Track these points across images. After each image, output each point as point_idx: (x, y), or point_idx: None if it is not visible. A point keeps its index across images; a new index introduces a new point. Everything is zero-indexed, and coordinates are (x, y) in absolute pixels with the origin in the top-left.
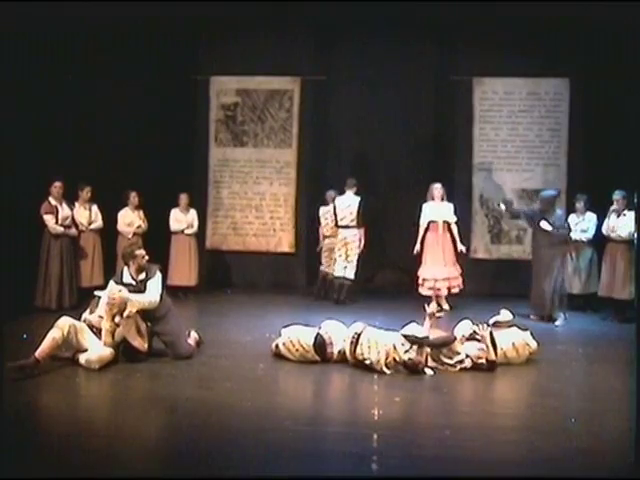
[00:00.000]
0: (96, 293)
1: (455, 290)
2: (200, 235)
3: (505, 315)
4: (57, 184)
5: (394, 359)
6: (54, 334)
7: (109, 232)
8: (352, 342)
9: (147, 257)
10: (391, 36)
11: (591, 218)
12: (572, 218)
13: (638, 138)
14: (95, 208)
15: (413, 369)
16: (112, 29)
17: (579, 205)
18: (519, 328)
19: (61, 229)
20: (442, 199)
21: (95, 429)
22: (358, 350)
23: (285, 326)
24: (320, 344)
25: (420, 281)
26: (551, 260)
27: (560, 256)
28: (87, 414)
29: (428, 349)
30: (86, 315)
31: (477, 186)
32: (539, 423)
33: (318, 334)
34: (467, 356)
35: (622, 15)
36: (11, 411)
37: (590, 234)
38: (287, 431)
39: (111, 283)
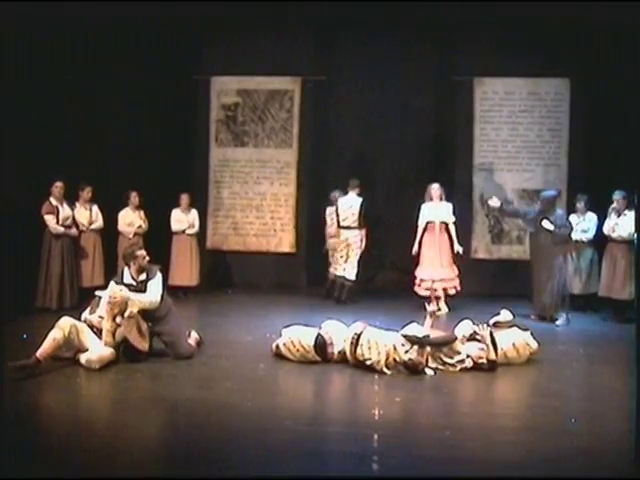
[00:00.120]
0: (97, 293)
1: (451, 292)
2: (201, 235)
3: (505, 315)
4: (58, 184)
5: (394, 359)
6: (55, 334)
7: (110, 232)
8: (352, 342)
9: (148, 258)
10: (391, 36)
11: (592, 218)
12: (573, 218)
13: (638, 138)
14: (96, 208)
15: (413, 369)
16: (113, 29)
17: (580, 205)
18: (519, 328)
19: (62, 229)
20: (441, 199)
21: (96, 429)
22: (358, 351)
23: (286, 326)
24: (321, 344)
25: (417, 281)
26: (552, 260)
27: (561, 256)
28: (88, 414)
29: (429, 349)
30: (86, 315)
31: (477, 186)
32: (539, 423)
33: (319, 334)
34: (468, 356)
35: (622, 15)
36: (12, 411)
37: (591, 234)
38: (288, 431)
39: (112, 283)
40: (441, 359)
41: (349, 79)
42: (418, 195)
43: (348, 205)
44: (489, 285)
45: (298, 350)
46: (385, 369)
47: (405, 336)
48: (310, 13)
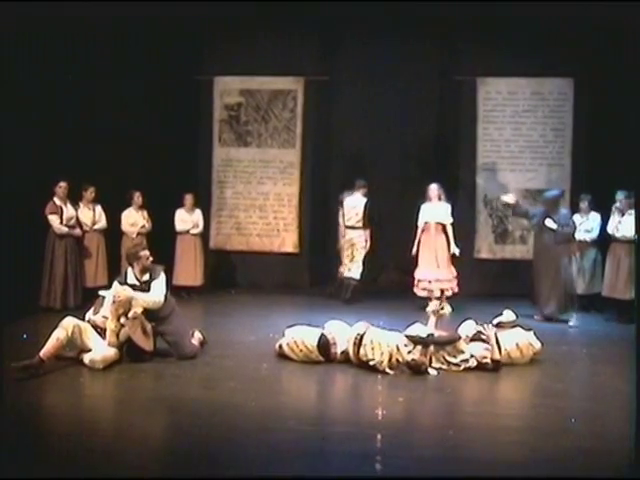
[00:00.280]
0: (100, 293)
1: (448, 293)
2: (204, 235)
3: (508, 315)
4: (62, 184)
5: (397, 360)
6: (58, 334)
7: (113, 232)
8: (355, 343)
9: (151, 258)
10: (394, 36)
11: (595, 218)
12: (576, 218)
13: None
14: (99, 208)
15: (416, 370)
16: (115, 29)
17: (583, 205)
18: (523, 328)
19: (66, 229)
20: (439, 199)
21: (99, 429)
22: (361, 351)
23: (289, 326)
24: (324, 344)
25: (415, 282)
26: (557, 261)
27: (566, 256)
28: (91, 414)
29: (432, 349)
30: (90, 315)
31: (481, 186)
32: (543, 424)
33: (322, 334)
34: (472, 356)
35: (626, 14)
36: (15, 411)
37: (594, 234)
38: (291, 431)
39: (115, 284)
40: (445, 359)
41: (352, 79)
42: (421, 195)
43: (352, 205)
44: (492, 285)
45: (301, 350)
46: (388, 369)
47: (408, 336)
48: (313, 13)
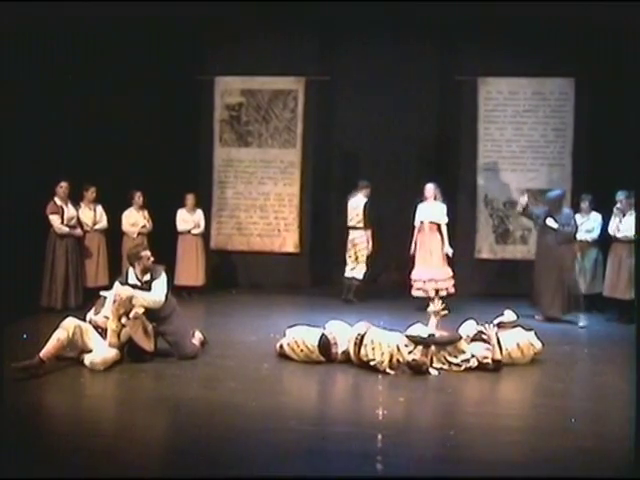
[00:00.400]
0: (101, 293)
1: (443, 293)
2: (205, 235)
3: (509, 315)
4: (63, 184)
5: (398, 360)
6: (59, 335)
7: (114, 232)
8: (356, 343)
9: (152, 258)
10: (395, 36)
11: (596, 218)
12: (577, 218)
13: None
14: (100, 208)
15: (417, 370)
16: (116, 29)
17: (584, 205)
18: (523, 328)
19: (66, 229)
20: (435, 199)
21: (99, 429)
22: (362, 351)
23: (290, 326)
24: (325, 344)
25: (412, 282)
26: (560, 260)
27: (569, 256)
28: (91, 414)
29: (433, 349)
30: (91, 315)
31: (482, 186)
32: (543, 424)
33: (323, 334)
34: (473, 356)
35: (627, 15)
36: (15, 411)
37: (595, 234)
38: (291, 431)
39: (116, 284)
40: (445, 359)
41: (353, 79)
42: (421, 195)
43: (354, 206)
44: (493, 285)
45: (302, 350)
46: (389, 369)
47: (409, 336)
48: (313, 13)
